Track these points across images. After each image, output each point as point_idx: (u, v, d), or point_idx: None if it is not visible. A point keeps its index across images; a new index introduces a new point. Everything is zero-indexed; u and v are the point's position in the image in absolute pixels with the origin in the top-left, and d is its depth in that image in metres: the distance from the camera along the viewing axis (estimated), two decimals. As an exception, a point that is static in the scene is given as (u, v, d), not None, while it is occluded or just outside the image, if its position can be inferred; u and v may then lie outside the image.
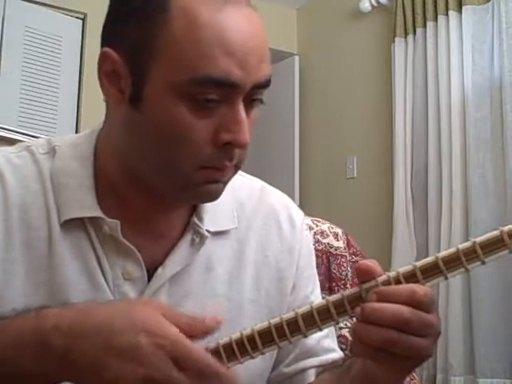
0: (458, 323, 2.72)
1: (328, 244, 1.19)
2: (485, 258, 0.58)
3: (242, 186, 0.83)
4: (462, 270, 0.59)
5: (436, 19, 3.02)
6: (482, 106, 2.80)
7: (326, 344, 0.84)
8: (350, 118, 3.66)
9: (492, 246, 0.58)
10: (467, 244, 0.59)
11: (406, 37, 3.21)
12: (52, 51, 3.31)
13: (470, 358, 2.68)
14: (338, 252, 1.19)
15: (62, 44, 3.35)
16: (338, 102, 3.77)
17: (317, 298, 0.85)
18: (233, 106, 0.64)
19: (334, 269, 1.19)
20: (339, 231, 1.22)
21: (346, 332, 1.10)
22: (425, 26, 3.09)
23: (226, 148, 0.65)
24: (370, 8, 3.50)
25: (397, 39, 3.23)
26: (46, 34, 3.28)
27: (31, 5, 3.28)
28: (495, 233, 0.59)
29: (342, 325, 1.11)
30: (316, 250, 1.18)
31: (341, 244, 1.21)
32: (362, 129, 3.58)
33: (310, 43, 4.10)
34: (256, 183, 0.87)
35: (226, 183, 0.70)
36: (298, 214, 0.87)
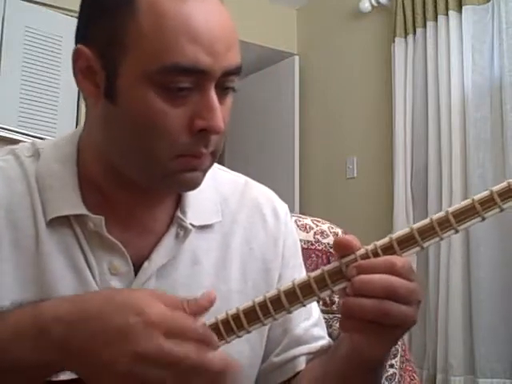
0: (458, 323, 2.72)
1: (328, 244, 1.19)
2: (458, 226, 0.60)
3: (225, 181, 0.85)
4: (437, 239, 0.61)
5: (436, 19, 3.02)
6: (482, 106, 2.80)
7: (315, 332, 0.85)
8: (350, 117, 3.66)
9: (464, 215, 0.60)
10: (440, 214, 0.61)
11: (406, 37, 3.21)
12: (52, 51, 3.31)
13: (470, 358, 2.68)
14: (338, 252, 1.19)
15: (62, 44, 3.34)
16: (338, 102, 3.77)
17: None
18: (204, 93, 0.66)
19: (334, 269, 1.18)
20: (339, 231, 1.22)
21: (346, 332, 1.10)
22: (425, 25, 3.09)
23: (201, 135, 0.67)
24: (370, 8, 3.50)
25: (397, 39, 3.23)
26: (46, 34, 3.28)
27: (31, 5, 3.27)
28: (467, 201, 0.60)
29: (342, 325, 1.10)
30: (316, 250, 1.18)
31: (341, 244, 1.21)
32: (362, 129, 3.58)
33: (310, 43, 4.10)
34: (239, 178, 0.88)
35: (204, 172, 0.71)
36: (281, 206, 0.88)
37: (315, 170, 3.90)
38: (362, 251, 0.62)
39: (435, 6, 3.02)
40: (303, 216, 1.23)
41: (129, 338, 0.55)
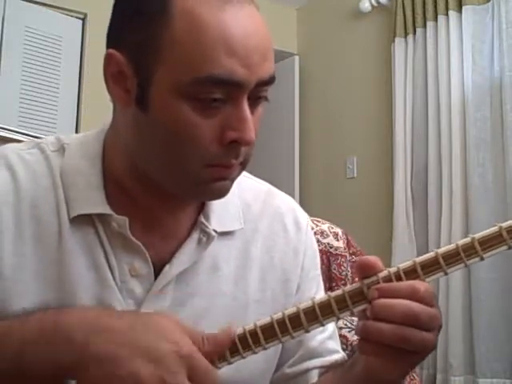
0: (458, 323, 2.72)
1: (328, 244, 1.19)
2: (483, 253, 0.59)
3: (248, 188, 0.84)
4: (462, 265, 0.59)
5: (436, 19, 3.03)
6: (481, 106, 2.80)
7: (330, 345, 0.84)
8: (350, 118, 3.66)
9: (491, 242, 0.59)
10: (466, 240, 0.59)
11: (406, 37, 3.21)
12: (52, 51, 3.31)
13: (470, 358, 2.68)
14: (338, 252, 1.19)
15: (62, 44, 3.35)
16: (338, 102, 3.77)
17: None
18: (237, 105, 0.65)
19: (334, 269, 1.19)
20: (339, 231, 1.22)
21: (346, 332, 1.10)
22: (425, 25, 3.09)
23: (232, 146, 0.66)
24: (370, 8, 3.50)
25: (397, 39, 3.23)
26: (46, 33, 3.28)
27: (31, 5, 3.27)
28: (494, 229, 0.59)
29: (342, 325, 1.10)
30: (316, 250, 1.18)
31: (341, 244, 1.21)
32: (362, 129, 3.58)
33: (310, 43, 4.10)
34: (263, 186, 0.88)
35: (233, 180, 0.71)
36: (303, 216, 0.88)
37: (315, 170, 3.90)
38: (384, 273, 0.61)
39: (435, 6, 3.03)
40: (303, 216, 1.22)
41: (159, 362, 0.56)
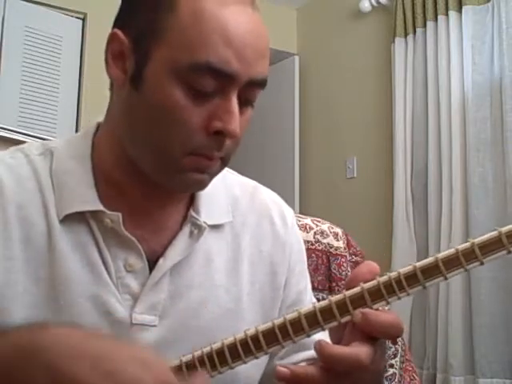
0: (458, 323, 2.72)
1: (328, 244, 1.19)
2: (483, 258, 0.59)
3: (235, 184, 0.86)
4: (462, 270, 0.60)
5: (436, 19, 3.02)
6: (482, 106, 2.80)
7: (318, 337, 0.85)
8: (350, 118, 3.66)
9: (490, 247, 0.59)
10: (466, 245, 0.59)
11: (406, 37, 3.21)
12: (52, 51, 3.31)
13: (470, 358, 2.68)
14: (338, 252, 1.19)
15: (62, 44, 3.35)
16: (337, 102, 3.77)
17: (309, 293, 0.88)
18: (227, 97, 0.67)
19: (334, 269, 1.19)
20: (339, 231, 1.22)
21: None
22: (425, 25, 3.09)
23: (216, 137, 0.68)
24: (370, 8, 3.50)
25: (397, 39, 3.23)
26: (46, 34, 3.28)
27: (31, 5, 3.27)
28: (494, 233, 0.59)
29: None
30: (316, 250, 1.18)
31: (341, 244, 1.21)
32: (361, 129, 3.58)
33: (309, 43, 4.10)
34: (249, 181, 0.89)
35: (212, 176, 0.72)
36: (288, 211, 0.89)
37: (315, 170, 3.90)
38: (384, 278, 0.60)
39: (435, 6, 3.03)
40: (303, 216, 1.23)
41: None
